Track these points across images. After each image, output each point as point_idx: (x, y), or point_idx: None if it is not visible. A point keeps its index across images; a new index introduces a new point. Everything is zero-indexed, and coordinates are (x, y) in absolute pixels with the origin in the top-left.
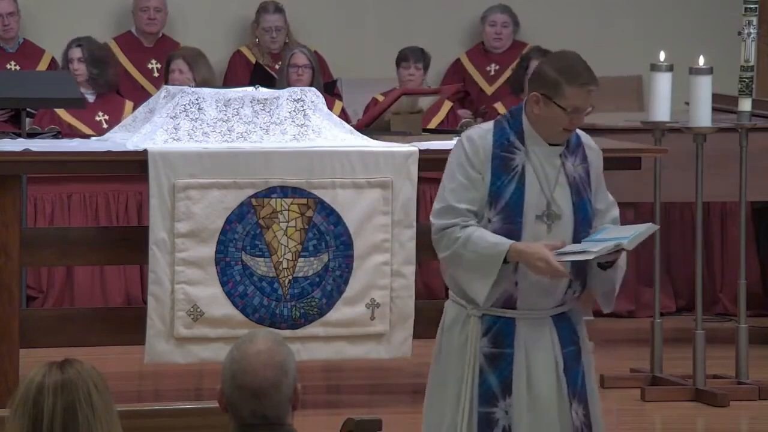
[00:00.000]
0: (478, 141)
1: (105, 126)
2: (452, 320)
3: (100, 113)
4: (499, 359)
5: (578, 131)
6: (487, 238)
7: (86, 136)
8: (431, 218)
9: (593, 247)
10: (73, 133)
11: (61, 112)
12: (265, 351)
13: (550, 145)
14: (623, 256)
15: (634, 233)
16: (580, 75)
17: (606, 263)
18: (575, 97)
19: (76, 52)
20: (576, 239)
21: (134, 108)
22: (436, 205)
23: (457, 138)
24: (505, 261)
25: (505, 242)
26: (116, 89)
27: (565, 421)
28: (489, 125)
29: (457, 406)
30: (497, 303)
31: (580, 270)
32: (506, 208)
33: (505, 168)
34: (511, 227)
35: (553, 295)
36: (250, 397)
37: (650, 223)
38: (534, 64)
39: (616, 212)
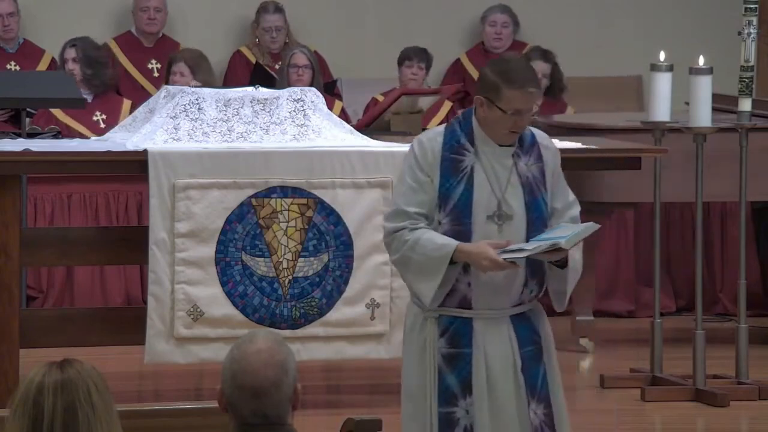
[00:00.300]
0: (427, 144)
1: (102, 126)
2: (412, 322)
3: (98, 113)
4: (457, 359)
5: (534, 130)
6: (435, 240)
7: (84, 137)
8: (383, 221)
9: (529, 246)
10: (70, 133)
11: (58, 113)
12: (265, 350)
13: (501, 145)
14: (576, 258)
15: (572, 233)
16: (518, 77)
17: (563, 262)
18: (515, 99)
19: (71, 53)
20: (529, 238)
21: (132, 107)
22: (388, 209)
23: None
24: (453, 262)
25: (452, 243)
26: (114, 89)
27: (524, 421)
28: (440, 128)
29: (425, 407)
30: (453, 303)
31: (536, 269)
32: (455, 209)
33: (454, 170)
34: (461, 228)
35: (509, 295)
36: (251, 396)
37: (591, 222)
38: (534, 64)
39: (575, 211)
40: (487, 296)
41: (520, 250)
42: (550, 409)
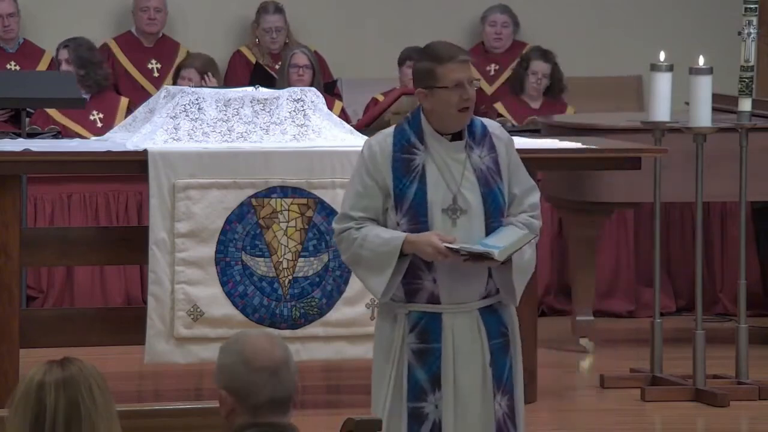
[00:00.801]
0: (376, 147)
1: (99, 125)
2: (382, 317)
3: (95, 112)
4: (426, 354)
5: (484, 121)
6: (382, 235)
7: (81, 137)
8: (333, 223)
9: (467, 245)
10: (67, 133)
11: (54, 113)
12: (263, 337)
13: (452, 140)
14: (525, 257)
15: (506, 244)
16: (445, 53)
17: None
18: (451, 72)
19: (64, 54)
20: (489, 228)
21: (130, 104)
22: (339, 211)
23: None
24: (404, 255)
25: (400, 236)
26: (110, 88)
27: (488, 414)
28: (390, 130)
29: (396, 401)
30: (421, 299)
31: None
32: (411, 208)
33: (406, 170)
34: (418, 227)
35: (475, 288)
36: (269, 376)
37: (525, 231)
38: (534, 64)
39: (534, 198)
40: (454, 290)
41: (461, 247)
42: (513, 402)
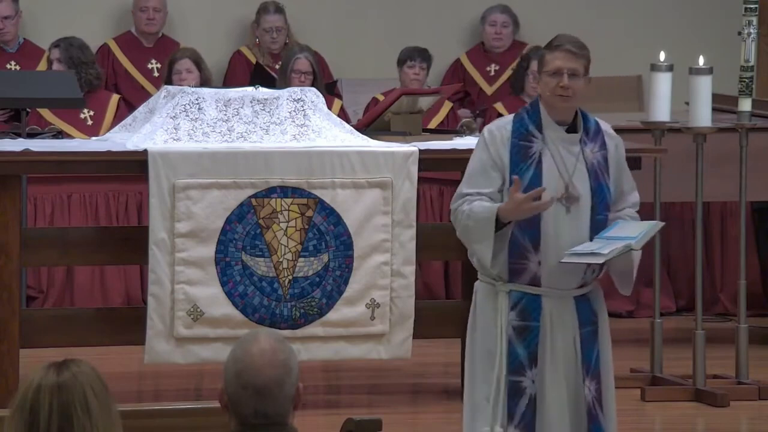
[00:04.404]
0: (496, 132)
1: (90, 123)
2: (483, 297)
3: (86, 110)
4: (526, 331)
5: (599, 120)
6: (484, 205)
7: (69, 137)
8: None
9: (604, 249)
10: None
11: (45, 112)
12: (268, 349)
13: (568, 132)
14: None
15: (641, 233)
16: (557, 41)
17: None
18: (553, 59)
19: (55, 53)
20: (593, 221)
21: (121, 101)
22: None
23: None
24: (504, 225)
25: (495, 206)
26: (100, 87)
27: (580, 396)
28: (509, 117)
29: (493, 373)
30: (524, 280)
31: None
32: (525, 192)
33: (524, 156)
34: None
35: (574, 275)
36: (254, 395)
37: (656, 221)
38: (534, 64)
39: (637, 197)
40: (555, 276)
41: (594, 254)
42: (600, 386)
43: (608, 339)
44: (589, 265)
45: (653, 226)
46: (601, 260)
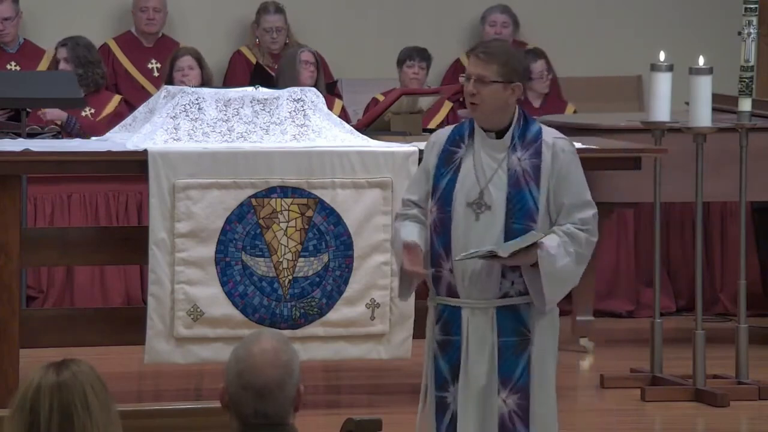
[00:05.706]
0: (434, 139)
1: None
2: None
3: (87, 109)
4: (448, 346)
5: (545, 128)
6: (399, 235)
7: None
8: None
9: (474, 250)
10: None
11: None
12: (270, 350)
13: (497, 138)
14: (557, 265)
15: (513, 242)
16: (474, 47)
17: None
18: (467, 65)
19: (62, 52)
20: (509, 229)
21: (122, 102)
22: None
23: None
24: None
25: (400, 241)
26: (104, 87)
27: (491, 409)
28: (455, 125)
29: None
30: (442, 291)
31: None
32: (441, 197)
33: (448, 161)
34: (443, 216)
35: (488, 287)
36: (255, 396)
37: (532, 231)
38: (536, 64)
39: (586, 214)
40: (469, 286)
41: (470, 253)
42: (527, 402)
43: (550, 351)
44: (504, 276)
45: (526, 236)
46: (464, 257)
